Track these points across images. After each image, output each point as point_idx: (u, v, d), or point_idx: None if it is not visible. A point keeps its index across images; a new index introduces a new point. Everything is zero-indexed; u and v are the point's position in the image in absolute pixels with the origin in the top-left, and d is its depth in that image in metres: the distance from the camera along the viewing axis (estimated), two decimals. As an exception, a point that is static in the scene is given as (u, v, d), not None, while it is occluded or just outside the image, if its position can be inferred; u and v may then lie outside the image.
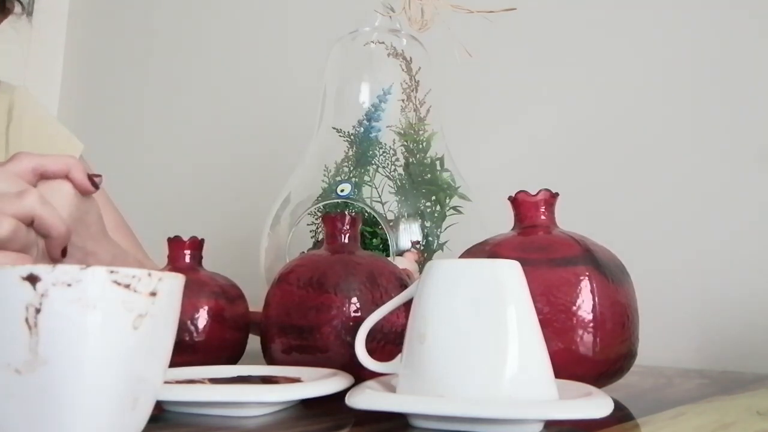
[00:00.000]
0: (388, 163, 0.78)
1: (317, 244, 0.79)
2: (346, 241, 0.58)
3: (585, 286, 0.48)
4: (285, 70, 1.30)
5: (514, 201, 0.54)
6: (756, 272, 0.87)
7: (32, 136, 0.79)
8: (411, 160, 0.80)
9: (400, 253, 0.74)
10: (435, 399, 0.38)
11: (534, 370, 0.39)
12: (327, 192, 0.77)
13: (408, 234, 0.76)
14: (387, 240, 0.74)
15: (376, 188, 0.78)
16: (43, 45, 1.56)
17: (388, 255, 0.73)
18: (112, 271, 0.29)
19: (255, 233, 0.84)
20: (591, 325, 0.48)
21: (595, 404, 0.37)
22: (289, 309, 0.54)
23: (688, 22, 0.97)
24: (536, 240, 0.52)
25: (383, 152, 0.79)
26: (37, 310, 0.28)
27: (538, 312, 0.42)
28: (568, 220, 0.57)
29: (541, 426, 0.38)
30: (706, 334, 0.88)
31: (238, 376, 0.50)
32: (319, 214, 0.77)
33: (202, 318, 0.58)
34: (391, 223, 0.75)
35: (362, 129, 0.80)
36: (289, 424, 0.41)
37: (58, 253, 0.50)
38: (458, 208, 0.79)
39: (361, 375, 0.47)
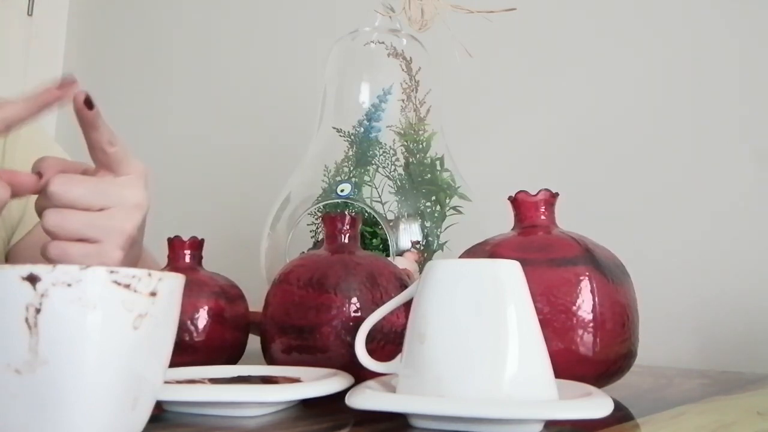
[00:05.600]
0: (388, 163, 0.78)
1: (317, 244, 0.79)
2: (346, 241, 0.58)
3: (585, 286, 0.48)
4: (285, 70, 1.30)
5: (514, 201, 0.54)
6: (756, 272, 0.87)
7: (26, 151, 0.79)
8: (411, 160, 0.80)
9: (400, 253, 0.74)
10: (435, 399, 0.38)
11: (534, 370, 0.39)
12: (327, 192, 0.77)
13: (408, 234, 0.76)
14: (387, 240, 0.74)
15: (376, 188, 0.78)
16: (43, 45, 1.56)
17: (388, 255, 0.73)
18: (112, 271, 0.29)
19: (255, 233, 0.84)
20: (591, 325, 0.48)
21: (595, 404, 0.37)
22: (289, 309, 0.54)
23: (685, 23, 0.97)
24: (536, 240, 0.52)
25: (383, 152, 0.79)
26: (37, 310, 0.28)
27: (538, 312, 0.42)
28: (568, 220, 0.57)
29: (541, 426, 0.38)
30: (706, 334, 0.88)
31: (238, 376, 0.50)
32: (319, 214, 0.77)
33: (202, 318, 0.58)
34: (391, 223, 0.75)
35: (362, 129, 0.80)
36: (289, 424, 0.41)
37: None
38: (458, 208, 0.79)
39: (361, 375, 0.46)
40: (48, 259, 0.46)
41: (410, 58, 0.83)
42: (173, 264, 0.62)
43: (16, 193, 0.46)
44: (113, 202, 0.47)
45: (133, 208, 0.48)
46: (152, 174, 0.51)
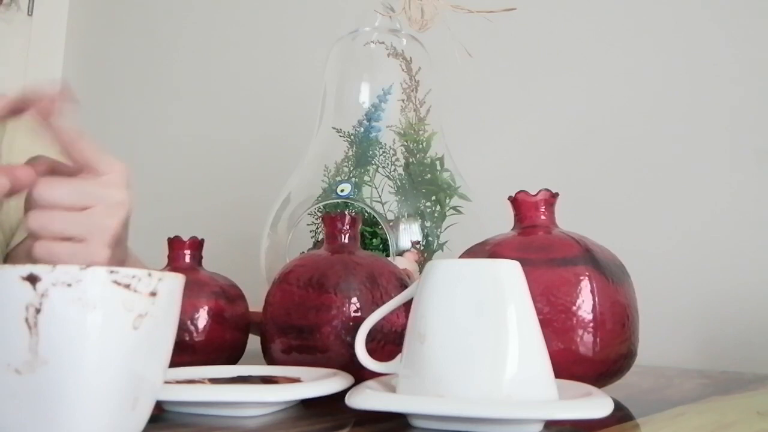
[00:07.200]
0: (388, 163, 0.78)
1: (317, 244, 0.79)
2: (346, 241, 0.58)
3: (585, 286, 0.48)
4: (285, 70, 1.30)
5: (514, 201, 0.54)
6: (756, 272, 0.87)
7: (26, 147, 0.79)
8: (411, 160, 0.80)
9: (400, 253, 0.74)
10: (435, 399, 0.38)
11: (534, 370, 0.39)
12: (327, 192, 0.77)
13: (408, 234, 0.76)
14: (387, 240, 0.74)
15: (376, 188, 0.78)
16: (43, 44, 1.56)
17: (388, 255, 0.73)
18: (112, 271, 0.29)
19: (255, 233, 0.84)
20: (591, 325, 0.48)
21: (595, 404, 0.37)
22: (289, 309, 0.54)
23: (680, 24, 0.97)
24: (536, 240, 0.52)
25: (383, 152, 0.79)
26: (37, 310, 0.28)
27: (538, 312, 0.42)
28: (568, 220, 0.57)
29: (541, 426, 0.38)
30: (706, 334, 0.88)
31: (238, 376, 0.50)
32: (319, 214, 0.77)
33: (202, 318, 0.58)
34: (391, 223, 0.75)
35: (362, 129, 0.80)
36: (289, 424, 0.41)
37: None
38: (458, 208, 0.79)
39: (361, 375, 0.46)
40: (35, 260, 0.46)
41: (410, 58, 0.83)
42: (173, 264, 0.62)
43: (14, 188, 0.46)
44: (95, 200, 0.47)
45: (116, 205, 0.48)
46: (133, 173, 0.51)
